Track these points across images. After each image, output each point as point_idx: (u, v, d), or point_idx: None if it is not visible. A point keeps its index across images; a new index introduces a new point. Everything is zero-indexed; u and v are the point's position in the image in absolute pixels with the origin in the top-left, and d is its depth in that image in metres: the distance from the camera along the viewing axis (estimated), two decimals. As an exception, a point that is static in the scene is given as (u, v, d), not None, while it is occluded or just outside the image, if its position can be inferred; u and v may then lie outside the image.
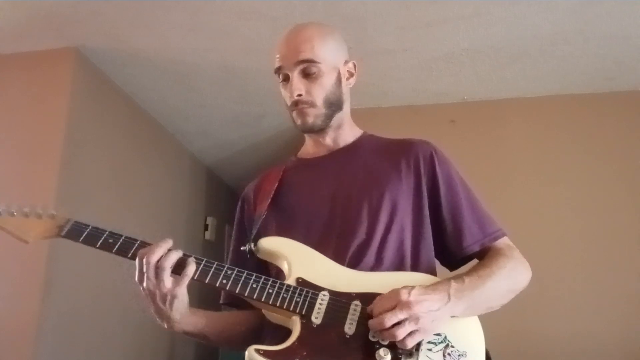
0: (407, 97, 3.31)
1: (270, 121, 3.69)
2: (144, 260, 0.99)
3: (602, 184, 3.03)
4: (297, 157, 1.31)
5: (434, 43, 2.74)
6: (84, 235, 1.05)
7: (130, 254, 1.03)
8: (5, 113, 2.78)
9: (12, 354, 2.39)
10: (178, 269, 1.01)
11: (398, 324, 0.91)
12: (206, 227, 4.38)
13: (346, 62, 1.22)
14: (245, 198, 1.30)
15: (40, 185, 2.59)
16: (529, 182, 3.11)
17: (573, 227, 2.98)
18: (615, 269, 2.87)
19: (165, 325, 1.06)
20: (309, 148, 1.27)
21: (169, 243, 1.02)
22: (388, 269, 1.08)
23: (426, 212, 1.14)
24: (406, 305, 0.92)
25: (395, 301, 0.93)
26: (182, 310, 1.04)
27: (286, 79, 1.17)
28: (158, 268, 0.99)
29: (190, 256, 1.03)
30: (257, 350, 0.95)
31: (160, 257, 0.99)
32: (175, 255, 1.01)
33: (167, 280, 0.99)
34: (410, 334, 0.92)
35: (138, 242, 1.04)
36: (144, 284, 1.01)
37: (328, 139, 1.22)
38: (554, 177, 3.10)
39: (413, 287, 0.95)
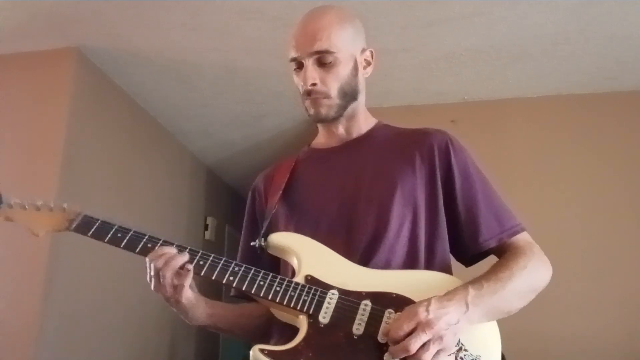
0: (408, 96, 3.31)
1: (272, 121, 3.69)
2: (150, 265, 1.00)
3: (603, 184, 3.02)
4: (309, 147, 1.26)
5: (435, 43, 2.74)
6: (93, 229, 1.03)
7: (138, 249, 1.01)
8: (6, 113, 2.78)
9: (13, 354, 2.38)
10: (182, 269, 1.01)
11: (423, 346, 0.87)
12: (206, 227, 4.38)
13: (364, 51, 1.16)
14: (255, 189, 1.26)
15: (41, 185, 2.59)
16: (530, 182, 3.11)
17: (574, 226, 2.98)
18: (616, 269, 2.86)
19: (184, 318, 1.07)
20: (322, 138, 1.22)
21: (172, 249, 1.01)
22: (401, 266, 1.04)
23: (441, 205, 1.09)
24: (428, 325, 0.87)
25: (415, 322, 0.88)
26: (191, 308, 1.04)
27: (300, 66, 1.11)
28: (159, 276, 0.99)
29: (195, 254, 1.02)
30: (262, 350, 0.93)
31: (162, 265, 0.99)
32: (179, 260, 1.00)
33: (169, 287, 1.00)
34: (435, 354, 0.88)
35: (146, 236, 1.03)
36: (152, 287, 1.02)
37: (341, 129, 1.18)
38: (555, 177, 3.09)
39: (430, 302, 0.90)
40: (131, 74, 3.07)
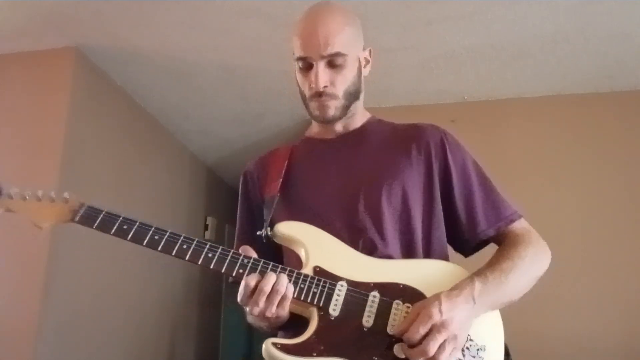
0: (408, 96, 3.31)
1: (271, 120, 3.68)
2: (258, 288, 0.95)
3: (603, 183, 3.02)
4: (305, 137, 1.27)
5: (434, 42, 2.74)
6: (97, 221, 1.00)
7: (145, 242, 0.98)
8: (6, 112, 2.77)
9: (12, 354, 2.38)
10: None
11: (439, 346, 0.89)
12: (206, 227, 4.38)
13: (364, 49, 1.17)
14: (248, 176, 1.25)
15: (41, 185, 2.58)
16: (529, 181, 3.10)
17: (573, 226, 2.98)
18: (616, 268, 2.86)
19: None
20: (317, 128, 1.23)
21: (273, 275, 0.97)
22: (400, 258, 1.06)
23: (438, 198, 1.12)
24: (443, 326, 0.89)
25: (429, 324, 0.90)
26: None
27: (308, 67, 1.10)
28: (273, 295, 0.95)
29: (202, 246, 0.99)
30: (275, 344, 0.93)
31: (273, 286, 0.95)
32: (284, 281, 0.96)
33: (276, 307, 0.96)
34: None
35: (153, 228, 1.00)
36: (252, 309, 0.97)
37: (339, 126, 1.19)
38: (554, 177, 3.09)
39: (441, 301, 0.92)
40: (130, 72, 3.07)
